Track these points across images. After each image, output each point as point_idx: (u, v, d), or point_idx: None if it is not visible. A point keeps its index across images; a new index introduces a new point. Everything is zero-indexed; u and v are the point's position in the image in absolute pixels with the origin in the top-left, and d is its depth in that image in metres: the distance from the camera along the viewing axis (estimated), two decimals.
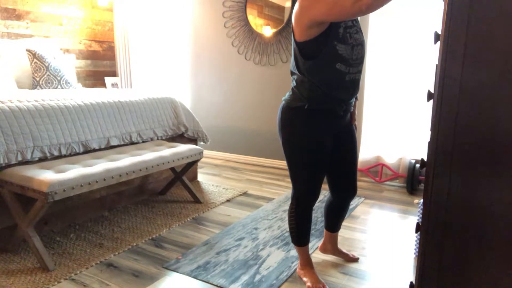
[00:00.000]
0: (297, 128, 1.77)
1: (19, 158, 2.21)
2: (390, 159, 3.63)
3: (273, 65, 4.09)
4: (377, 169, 3.72)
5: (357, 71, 1.71)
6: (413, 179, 3.31)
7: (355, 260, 2.18)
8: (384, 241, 2.44)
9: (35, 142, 2.28)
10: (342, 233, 2.53)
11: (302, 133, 1.76)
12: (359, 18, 1.82)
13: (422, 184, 3.47)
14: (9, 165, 2.18)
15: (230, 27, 4.26)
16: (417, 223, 1.35)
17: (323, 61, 1.64)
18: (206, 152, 4.63)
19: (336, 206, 2.06)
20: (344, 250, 2.21)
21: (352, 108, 1.90)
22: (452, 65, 1.14)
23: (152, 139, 3.07)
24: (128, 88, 4.67)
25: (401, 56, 3.42)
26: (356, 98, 1.94)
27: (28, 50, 3.42)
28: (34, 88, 3.39)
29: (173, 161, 2.67)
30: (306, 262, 1.98)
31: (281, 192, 3.38)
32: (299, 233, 1.93)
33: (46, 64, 3.42)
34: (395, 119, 3.53)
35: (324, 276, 2.01)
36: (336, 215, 2.09)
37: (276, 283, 1.93)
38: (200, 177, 3.75)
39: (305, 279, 1.94)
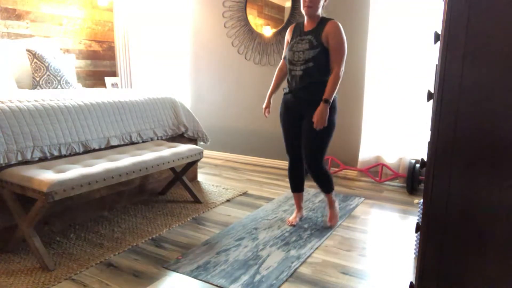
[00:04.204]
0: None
1: (19, 158, 2.21)
2: (390, 159, 3.63)
3: (273, 65, 4.09)
4: (377, 169, 3.71)
5: (299, 69, 2.39)
6: (413, 179, 3.31)
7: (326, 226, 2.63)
8: (384, 241, 2.44)
9: (35, 142, 2.28)
10: (342, 233, 2.54)
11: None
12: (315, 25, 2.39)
13: (422, 184, 3.47)
14: (9, 165, 2.18)
15: (230, 27, 4.26)
16: (417, 223, 1.35)
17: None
18: (206, 152, 4.63)
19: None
20: (329, 216, 2.68)
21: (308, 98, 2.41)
22: (452, 65, 1.14)
23: (152, 139, 3.07)
24: (128, 88, 4.67)
25: (401, 56, 3.42)
26: (324, 101, 2.34)
27: (28, 50, 3.42)
28: (34, 88, 3.39)
29: (173, 161, 2.67)
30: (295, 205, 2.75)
31: (281, 192, 3.38)
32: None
33: (46, 64, 3.42)
34: (395, 119, 3.53)
35: (324, 276, 2.01)
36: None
37: (276, 283, 1.93)
38: (200, 177, 3.75)
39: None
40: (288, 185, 3.56)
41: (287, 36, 2.52)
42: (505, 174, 1.11)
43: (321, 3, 2.35)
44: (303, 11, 2.36)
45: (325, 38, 2.32)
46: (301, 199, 2.74)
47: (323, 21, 2.36)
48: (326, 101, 2.30)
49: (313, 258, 2.20)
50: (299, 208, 2.74)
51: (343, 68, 2.34)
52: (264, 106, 2.65)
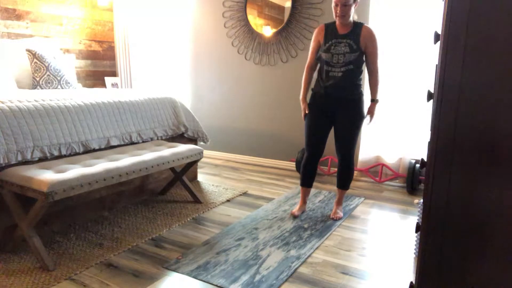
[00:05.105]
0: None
1: (19, 158, 2.21)
2: (390, 159, 3.63)
3: (273, 65, 4.09)
4: (377, 169, 3.71)
5: (338, 71, 2.54)
6: (413, 179, 3.31)
7: (334, 218, 2.74)
8: (384, 241, 2.44)
9: (35, 142, 2.28)
10: (342, 233, 2.54)
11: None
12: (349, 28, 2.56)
13: (422, 184, 3.47)
14: (9, 165, 2.18)
15: (230, 27, 4.26)
16: (417, 223, 1.35)
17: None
18: (206, 152, 4.63)
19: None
20: (334, 210, 2.81)
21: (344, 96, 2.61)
22: (452, 65, 1.14)
23: (152, 139, 3.07)
24: (128, 88, 4.67)
25: (401, 56, 3.42)
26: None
27: (28, 50, 3.42)
28: (34, 88, 3.39)
29: (173, 161, 2.67)
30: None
31: (281, 192, 3.38)
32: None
33: (46, 64, 3.42)
34: (395, 119, 3.53)
35: (324, 276, 2.01)
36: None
37: (276, 283, 1.93)
38: (200, 177, 3.75)
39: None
40: (288, 185, 3.57)
41: (318, 36, 2.62)
42: (505, 174, 1.11)
43: (352, 9, 2.49)
44: (336, 19, 2.54)
45: (363, 43, 2.51)
46: (308, 194, 2.88)
47: (357, 26, 2.53)
48: (377, 100, 2.61)
49: (313, 258, 2.20)
50: (304, 202, 2.87)
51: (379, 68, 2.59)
52: (303, 108, 2.71)
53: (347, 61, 2.50)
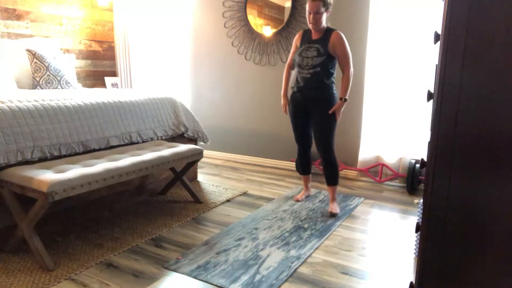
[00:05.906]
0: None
1: (19, 158, 2.21)
2: (390, 159, 3.63)
3: (273, 65, 4.09)
4: (377, 169, 3.71)
5: (307, 73, 2.75)
6: (413, 179, 3.31)
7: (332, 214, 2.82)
8: (384, 241, 2.44)
9: (35, 142, 2.28)
10: (342, 233, 2.54)
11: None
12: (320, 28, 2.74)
13: (422, 184, 3.47)
14: (9, 165, 2.18)
15: (230, 27, 4.26)
16: (417, 223, 1.35)
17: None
18: (206, 152, 4.63)
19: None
20: (330, 206, 2.88)
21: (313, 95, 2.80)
22: (452, 65, 1.14)
23: (152, 139, 3.07)
24: (128, 88, 4.67)
25: (401, 56, 3.42)
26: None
27: (28, 50, 3.42)
28: (34, 88, 3.39)
29: (173, 161, 2.67)
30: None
31: (281, 192, 3.38)
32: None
33: (46, 64, 3.42)
34: (395, 119, 3.53)
35: (324, 276, 2.01)
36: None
37: (276, 283, 1.93)
38: (200, 177, 3.75)
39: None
40: (288, 185, 3.57)
41: (296, 41, 2.90)
42: (505, 174, 1.11)
43: (324, 17, 2.68)
44: (309, 26, 2.73)
45: (332, 48, 2.70)
46: (308, 180, 3.18)
47: (328, 32, 2.72)
48: (345, 99, 2.73)
49: (313, 258, 2.20)
50: (307, 187, 3.19)
51: (352, 69, 2.73)
52: (282, 104, 3.00)
53: (315, 64, 2.71)
